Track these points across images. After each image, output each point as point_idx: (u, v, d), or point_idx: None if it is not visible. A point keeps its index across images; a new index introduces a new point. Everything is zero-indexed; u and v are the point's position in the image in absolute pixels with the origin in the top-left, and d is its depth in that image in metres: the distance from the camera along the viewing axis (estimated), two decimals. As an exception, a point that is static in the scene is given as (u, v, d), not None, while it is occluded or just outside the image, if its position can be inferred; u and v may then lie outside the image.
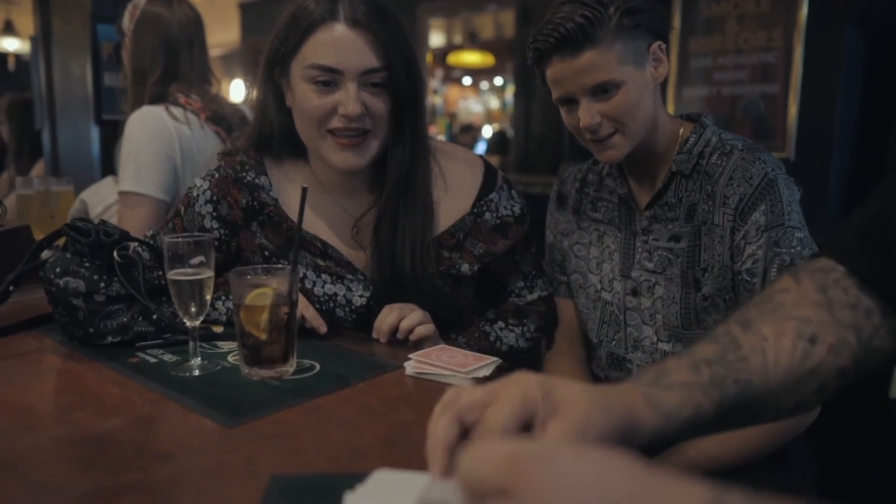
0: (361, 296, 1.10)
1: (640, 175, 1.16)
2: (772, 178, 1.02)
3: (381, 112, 1.04)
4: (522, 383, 0.50)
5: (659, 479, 0.34)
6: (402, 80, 1.04)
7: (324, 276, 1.10)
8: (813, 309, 0.62)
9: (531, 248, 1.22)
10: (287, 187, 1.15)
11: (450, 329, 1.13)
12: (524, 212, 1.19)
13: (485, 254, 1.14)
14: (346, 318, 1.11)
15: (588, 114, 1.04)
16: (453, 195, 1.14)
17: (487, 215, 1.15)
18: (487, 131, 7.07)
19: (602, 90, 1.03)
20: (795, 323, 0.61)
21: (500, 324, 1.17)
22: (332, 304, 1.10)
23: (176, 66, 1.67)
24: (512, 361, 1.07)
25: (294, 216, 1.05)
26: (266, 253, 1.13)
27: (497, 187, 1.16)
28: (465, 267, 1.12)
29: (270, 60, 1.08)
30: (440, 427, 0.49)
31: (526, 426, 0.49)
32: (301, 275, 1.09)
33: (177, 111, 1.62)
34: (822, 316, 0.61)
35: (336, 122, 1.02)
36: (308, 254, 1.11)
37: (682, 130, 1.12)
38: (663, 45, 1.08)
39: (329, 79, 1.01)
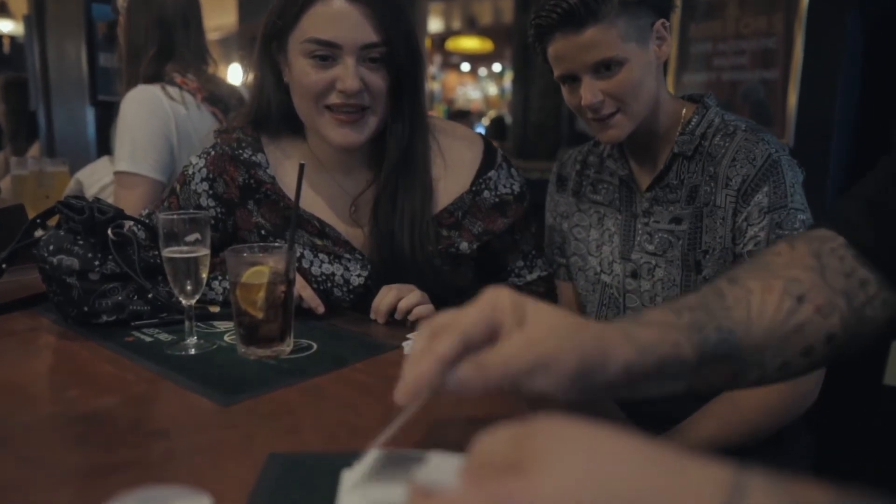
0: (359, 275, 1.09)
1: (642, 156, 1.15)
2: (775, 159, 1.01)
3: (379, 88, 1.02)
4: (494, 294, 0.50)
5: (676, 457, 0.33)
6: (401, 55, 1.02)
7: (321, 256, 1.09)
8: (804, 271, 0.60)
9: (531, 228, 1.21)
10: (284, 164, 1.13)
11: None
12: (524, 190, 1.18)
13: (484, 232, 1.13)
14: (343, 297, 1.10)
15: (590, 91, 1.03)
16: (452, 173, 1.13)
17: (486, 193, 1.14)
18: (486, 118, 7.04)
19: (605, 67, 1.02)
20: (784, 282, 0.59)
21: None
22: (329, 284, 1.09)
23: (171, 45, 1.65)
24: None
25: (291, 194, 1.03)
26: (262, 232, 1.12)
27: (496, 165, 1.15)
28: (463, 245, 1.12)
29: (267, 35, 1.06)
30: (417, 341, 0.49)
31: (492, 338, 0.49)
32: (298, 254, 1.08)
33: (173, 91, 1.60)
34: (812, 278, 0.60)
35: (334, 98, 1.01)
36: (305, 233, 1.10)
37: (684, 111, 1.11)
38: (667, 23, 1.07)
39: (327, 53, 0.99)
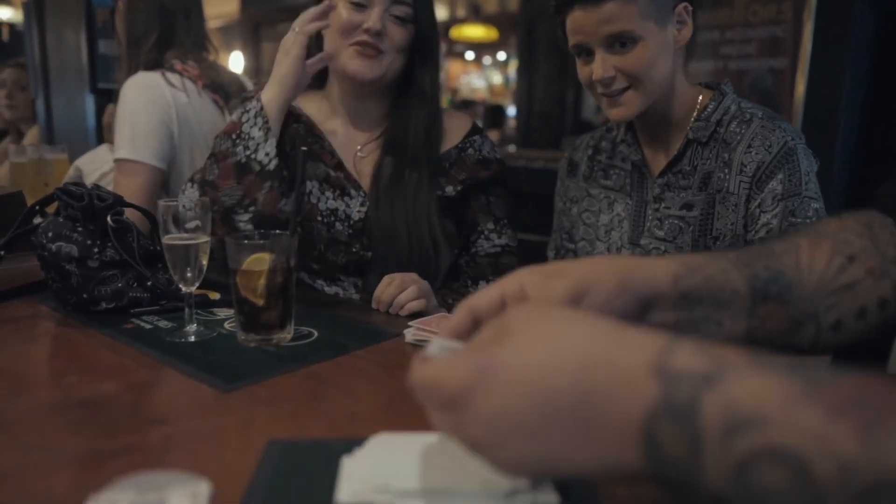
0: (359, 211, 1.20)
1: (655, 142, 1.14)
2: (791, 147, 1.01)
3: (398, 38, 1.17)
4: (513, 274, 0.54)
5: (618, 325, 0.40)
6: (422, 19, 1.18)
7: (327, 193, 1.20)
8: (855, 236, 0.59)
9: (506, 198, 1.30)
10: (310, 109, 1.27)
11: (429, 279, 1.15)
12: (503, 160, 1.31)
13: (467, 178, 1.25)
14: (344, 231, 1.19)
15: (602, 66, 1.02)
16: (446, 134, 1.28)
17: (470, 151, 1.27)
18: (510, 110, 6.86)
19: (619, 42, 1.01)
20: (833, 241, 0.58)
21: (483, 283, 1.24)
22: (332, 218, 1.19)
23: (172, 33, 1.64)
24: None
25: (322, 131, 1.23)
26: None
27: (481, 134, 1.31)
28: (449, 188, 1.24)
29: None
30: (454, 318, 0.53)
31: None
32: (308, 190, 1.20)
33: (173, 78, 1.59)
34: (863, 243, 0.59)
35: (359, 35, 1.15)
36: (322, 164, 1.21)
37: (700, 98, 1.11)
38: (689, 8, 1.06)
39: (363, 2, 1.15)
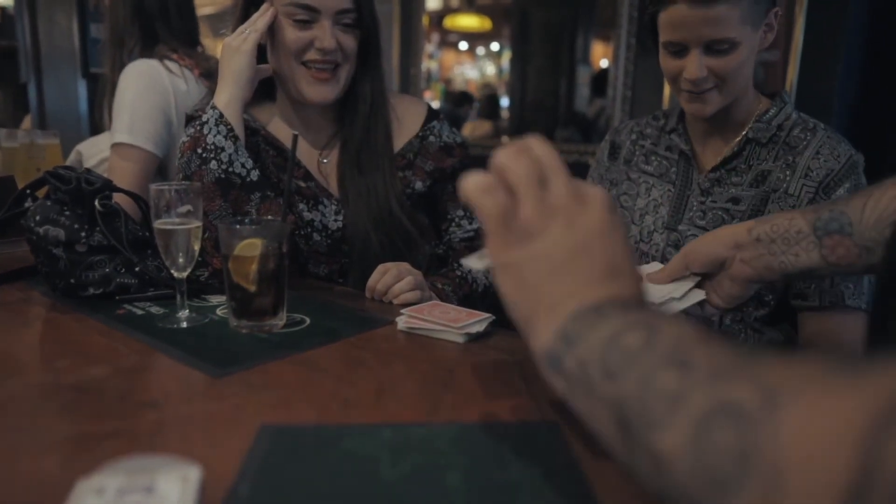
0: (335, 220, 1.18)
1: (707, 137, 1.17)
2: (856, 160, 1.07)
3: (351, 47, 1.14)
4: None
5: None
6: (367, 20, 1.15)
7: (301, 206, 1.17)
8: None
9: None
10: (265, 122, 1.22)
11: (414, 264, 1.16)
12: (465, 141, 1.32)
13: (434, 170, 1.25)
14: (322, 242, 1.18)
15: (697, 67, 1.03)
16: (403, 124, 1.26)
17: (432, 138, 1.26)
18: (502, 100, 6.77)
19: (717, 47, 1.02)
20: None
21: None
22: (309, 230, 1.18)
23: (153, 34, 1.62)
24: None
25: (283, 144, 1.18)
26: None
27: (439, 118, 1.30)
28: (418, 184, 1.23)
29: (248, 1, 1.17)
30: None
31: None
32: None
33: (172, 65, 1.58)
34: None
35: (312, 55, 1.12)
36: (293, 178, 1.18)
37: (761, 104, 1.14)
38: (779, 13, 1.08)
39: (307, 17, 1.11)
